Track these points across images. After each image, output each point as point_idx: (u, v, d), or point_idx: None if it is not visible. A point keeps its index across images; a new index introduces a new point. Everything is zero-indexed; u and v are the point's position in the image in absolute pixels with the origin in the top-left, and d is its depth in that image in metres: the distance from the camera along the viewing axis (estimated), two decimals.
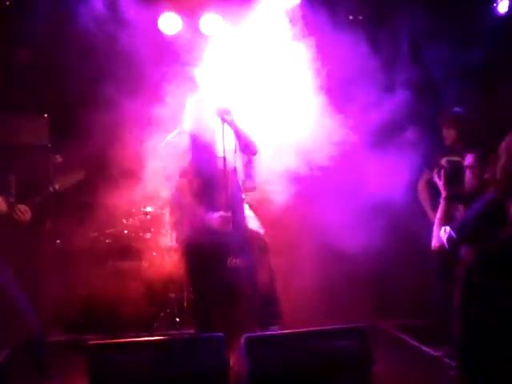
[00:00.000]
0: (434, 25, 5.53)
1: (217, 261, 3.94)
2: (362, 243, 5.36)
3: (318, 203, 5.31)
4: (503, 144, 1.92)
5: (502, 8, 5.81)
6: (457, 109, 4.99)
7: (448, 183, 3.40)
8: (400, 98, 5.19)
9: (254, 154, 4.23)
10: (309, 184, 5.11)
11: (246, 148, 4.11)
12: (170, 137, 4.15)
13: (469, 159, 3.46)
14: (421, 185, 5.12)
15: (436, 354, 4.39)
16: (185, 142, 4.10)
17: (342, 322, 4.23)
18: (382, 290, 5.70)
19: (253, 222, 4.36)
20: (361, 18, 6.17)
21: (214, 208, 3.92)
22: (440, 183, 3.44)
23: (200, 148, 4.05)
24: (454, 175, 3.42)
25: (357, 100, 5.38)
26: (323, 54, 4.51)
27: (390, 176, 5.10)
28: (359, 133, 5.20)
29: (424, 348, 4.66)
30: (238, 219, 4.02)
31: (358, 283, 5.62)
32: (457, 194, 3.41)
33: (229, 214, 3.89)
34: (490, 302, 1.55)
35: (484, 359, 1.56)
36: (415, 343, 4.84)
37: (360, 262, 5.55)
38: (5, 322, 4.09)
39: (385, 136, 5.44)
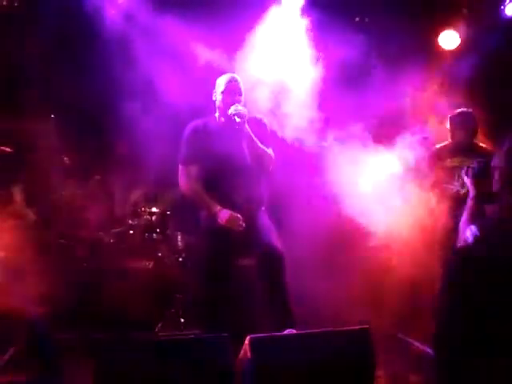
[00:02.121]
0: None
1: (228, 258, 3.89)
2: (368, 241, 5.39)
3: (318, 202, 5.33)
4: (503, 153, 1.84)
5: (510, 10, 5.80)
6: (466, 109, 4.99)
7: (476, 182, 3.40)
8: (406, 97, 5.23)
9: (264, 169, 3.99)
10: (308, 183, 5.18)
11: (257, 160, 3.90)
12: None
13: (496, 159, 3.46)
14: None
15: None
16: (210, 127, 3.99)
17: (345, 323, 4.26)
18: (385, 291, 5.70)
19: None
20: (367, 19, 6.21)
21: (231, 203, 3.81)
22: (468, 182, 3.44)
23: (219, 137, 3.92)
24: (481, 173, 3.41)
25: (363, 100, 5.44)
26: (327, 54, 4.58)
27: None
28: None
29: (428, 350, 4.67)
30: (256, 221, 3.90)
31: (361, 283, 5.63)
32: (484, 193, 3.40)
33: (239, 215, 3.77)
34: (467, 300, 1.58)
35: (461, 357, 1.59)
36: (418, 345, 4.85)
37: (364, 260, 5.56)
38: (10, 320, 4.14)
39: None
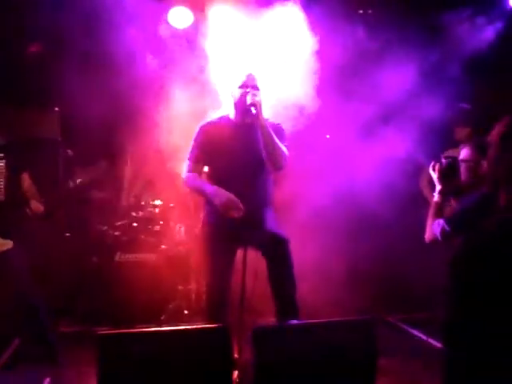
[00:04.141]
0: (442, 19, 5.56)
1: (231, 249, 3.89)
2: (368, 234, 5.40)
3: (321, 198, 5.34)
4: (491, 136, 1.89)
5: None
6: (467, 105, 4.99)
7: (443, 177, 3.41)
8: (406, 91, 5.22)
9: (278, 166, 3.87)
10: (307, 182, 5.18)
11: (270, 156, 3.80)
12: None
13: (463, 153, 3.46)
14: (424, 182, 5.12)
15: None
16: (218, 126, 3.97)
17: (348, 314, 4.27)
18: (389, 283, 5.71)
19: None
20: (370, 11, 6.20)
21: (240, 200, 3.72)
22: (435, 177, 3.45)
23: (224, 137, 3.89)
24: (449, 169, 3.41)
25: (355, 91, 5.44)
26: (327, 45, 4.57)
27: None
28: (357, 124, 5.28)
29: (431, 341, 4.67)
30: (263, 217, 3.86)
31: (365, 275, 5.64)
32: (451, 188, 3.41)
33: (237, 200, 3.70)
34: (475, 291, 1.57)
35: (468, 344, 1.58)
36: (422, 336, 4.85)
37: (366, 253, 5.58)
38: (15, 311, 4.17)
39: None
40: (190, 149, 4.02)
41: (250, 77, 3.96)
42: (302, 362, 3.12)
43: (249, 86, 3.89)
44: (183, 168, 4.04)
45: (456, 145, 4.99)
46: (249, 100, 3.79)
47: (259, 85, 3.95)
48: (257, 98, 3.80)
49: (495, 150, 1.77)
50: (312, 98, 4.49)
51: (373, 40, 5.62)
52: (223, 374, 3.04)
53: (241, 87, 3.91)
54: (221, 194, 3.76)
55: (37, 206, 4.14)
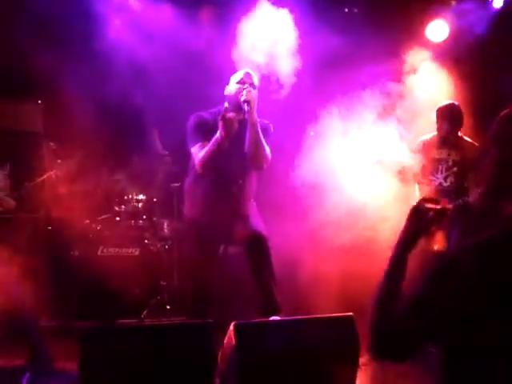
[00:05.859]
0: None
1: (215, 246, 3.94)
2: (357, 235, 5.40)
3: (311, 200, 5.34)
4: (491, 134, 1.73)
5: (497, 3, 5.84)
6: (452, 101, 5.02)
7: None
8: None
9: (258, 167, 3.99)
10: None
11: (253, 155, 3.89)
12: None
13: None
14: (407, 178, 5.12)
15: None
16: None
17: (330, 311, 4.29)
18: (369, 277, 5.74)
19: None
20: (356, 10, 6.22)
21: (226, 191, 3.84)
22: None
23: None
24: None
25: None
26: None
27: None
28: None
29: None
30: (246, 210, 3.94)
31: (348, 274, 5.66)
32: None
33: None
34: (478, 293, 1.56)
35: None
36: None
37: (353, 253, 5.59)
38: None
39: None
40: (191, 136, 4.00)
41: (248, 74, 4.02)
42: (283, 357, 3.14)
43: (246, 82, 3.95)
44: (194, 155, 3.96)
45: (440, 142, 5.03)
46: (243, 96, 3.83)
47: (256, 82, 4.01)
48: (252, 95, 3.84)
49: (499, 151, 1.62)
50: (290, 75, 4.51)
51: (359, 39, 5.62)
52: (206, 370, 3.04)
53: (238, 83, 3.98)
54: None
55: (7, 201, 4.10)
